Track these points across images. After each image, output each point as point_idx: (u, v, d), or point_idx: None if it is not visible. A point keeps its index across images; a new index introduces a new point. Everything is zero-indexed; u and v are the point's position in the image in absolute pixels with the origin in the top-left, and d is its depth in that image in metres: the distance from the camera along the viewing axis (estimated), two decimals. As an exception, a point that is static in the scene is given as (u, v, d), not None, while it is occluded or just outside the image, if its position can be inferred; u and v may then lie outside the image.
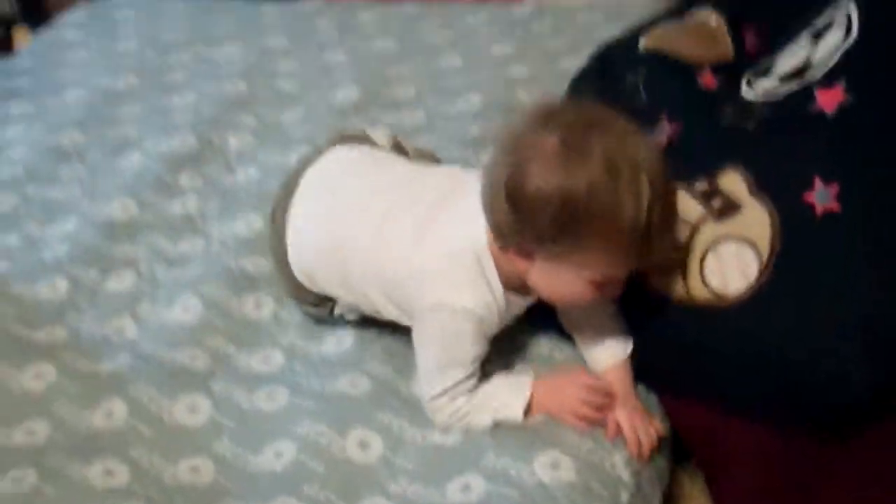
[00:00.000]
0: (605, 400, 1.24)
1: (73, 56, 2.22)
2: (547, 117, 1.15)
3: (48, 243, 1.63)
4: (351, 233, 1.34)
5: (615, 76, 1.57)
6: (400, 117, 1.89)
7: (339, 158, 1.45)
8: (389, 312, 1.33)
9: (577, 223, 1.10)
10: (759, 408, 1.25)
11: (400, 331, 1.36)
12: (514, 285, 1.24)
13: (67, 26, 2.36)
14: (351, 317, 1.42)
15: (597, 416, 1.24)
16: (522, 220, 1.14)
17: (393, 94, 1.99)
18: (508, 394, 1.26)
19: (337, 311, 1.41)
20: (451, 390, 1.25)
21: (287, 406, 1.32)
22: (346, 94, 1.98)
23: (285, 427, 1.28)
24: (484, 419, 1.25)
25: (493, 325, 1.25)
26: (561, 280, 1.18)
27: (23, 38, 2.68)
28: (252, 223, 1.62)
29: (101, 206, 1.69)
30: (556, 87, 1.74)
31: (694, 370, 1.27)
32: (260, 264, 1.54)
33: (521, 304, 1.29)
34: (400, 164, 1.45)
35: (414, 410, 1.29)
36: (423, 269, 1.25)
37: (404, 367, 1.35)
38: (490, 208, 1.17)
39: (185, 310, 1.46)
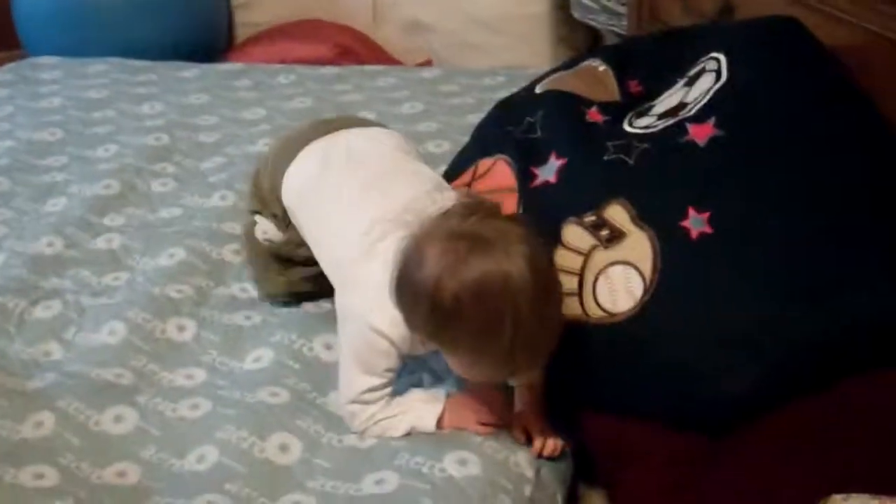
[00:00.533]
0: (502, 418, 1.36)
1: (-2, 111, 2.29)
2: (445, 218, 1.24)
3: (-26, 278, 1.69)
4: (327, 205, 1.48)
5: (515, 119, 1.70)
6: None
7: (349, 139, 1.57)
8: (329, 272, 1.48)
9: (444, 329, 1.22)
10: (651, 411, 1.36)
11: (317, 350, 1.47)
12: None
13: (-8, 84, 2.44)
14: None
15: (497, 425, 1.35)
16: (404, 313, 1.25)
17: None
18: (422, 406, 1.37)
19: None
20: (364, 395, 1.35)
21: (210, 414, 1.40)
22: (265, 145, 2.09)
23: (208, 433, 1.36)
24: (398, 428, 1.35)
25: (406, 351, 1.35)
26: (452, 364, 1.29)
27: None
28: (175, 255, 1.71)
29: (28, 243, 1.76)
30: (462, 138, 1.88)
31: (594, 381, 1.39)
32: (183, 290, 1.63)
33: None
34: (401, 168, 1.53)
35: (330, 418, 1.39)
36: (359, 278, 1.36)
37: (321, 382, 1.45)
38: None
39: (110, 333, 1.54)
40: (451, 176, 1.70)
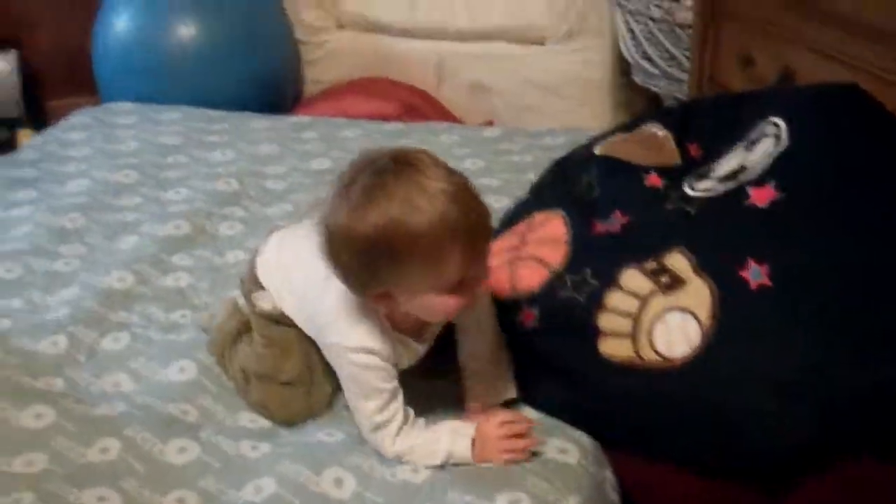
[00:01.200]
0: (522, 427, 1.40)
1: (75, 152, 2.38)
2: (348, 176, 1.30)
3: (49, 308, 1.76)
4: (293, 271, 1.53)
5: (572, 177, 1.75)
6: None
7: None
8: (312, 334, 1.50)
9: (381, 258, 1.27)
10: (698, 460, 1.39)
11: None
12: (402, 325, 1.40)
13: (71, 127, 2.54)
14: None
15: (520, 446, 1.38)
16: (348, 270, 1.30)
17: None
18: (456, 436, 1.39)
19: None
20: (376, 417, 1.39)
21: (269, 453, 1.44)
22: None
23: (266, 467, 1.40)
24: (437, 456, 1.38)
25: (390, 357, 1.38)
26: (426, 303, 1.32)
27: (26, 140, 2.85)
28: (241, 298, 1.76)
29: (100, 277, 1.83)
30: (522, 193, 1.93)
31: (641, 425, 1.42)
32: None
33: (415, 348, 1.44)
34: None
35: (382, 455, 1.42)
36: (324, 316, 1.42)
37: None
38: (330, 267, 1.33)
39: (180, 370, 1.59)
40: (505, 224, 1.75)
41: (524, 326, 1.50)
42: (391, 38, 3.27)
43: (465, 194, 1.29)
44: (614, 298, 1.45)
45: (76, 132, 2.50)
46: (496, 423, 1.40)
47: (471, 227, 1.27)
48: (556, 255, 1.54)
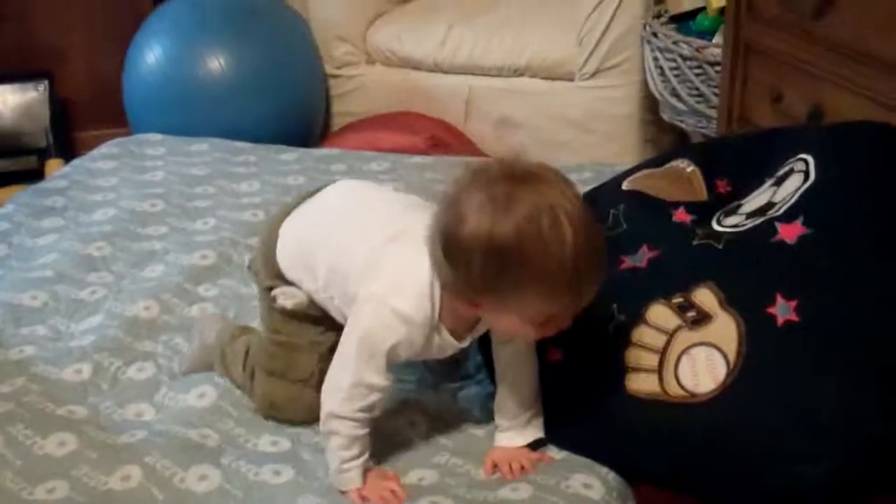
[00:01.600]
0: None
1: (104, 182, 2.40)
2: (477, 174, 1.25)
3: (74, 336, 1.76)
4: (327, 230, 1.49)
5: (599, 212, 1.74)
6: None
7: (336, 190, 1.60)
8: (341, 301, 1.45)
9: (507, 270, 1.21)
10: (723, 495, 1.37)
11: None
12: (453, 325, 1.36)
13: (100, 157, 2.55)
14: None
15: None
16: (458, 272, 1.24)
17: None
18: (345, 473, 1.39)
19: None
20: (348, 391, 1.34)
21: (292, 481, 1.43)
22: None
23: (288, 499, 1.39)
24: (333, 457, 1.39)
25: (418, 346, 1.35)
26: (506, 322, 1.30)
27: (55, 169, 2.87)
28: (265, 326, 1.76)
29: (125, 305, 1.83)
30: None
31: (667, 460, 1.40)
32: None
33: (451, 345, 1.38)
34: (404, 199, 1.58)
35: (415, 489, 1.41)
36: (381, 262, 1.36)
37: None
38: (434, 262, 1.28)
39: (200, 396, 1.59)
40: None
41: (550, 362, 1.49)
42: (420, 72, 3.28)
43: (594, 234, 1.25)
44: (641, 333, 1.44)
45: (105, 162, 2.52)
46: (384, 485, 1.38)
47: (590, 272, 1.25)
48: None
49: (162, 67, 3.01)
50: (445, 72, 3.25)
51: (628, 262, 1.55)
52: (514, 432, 1.47)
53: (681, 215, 1.63)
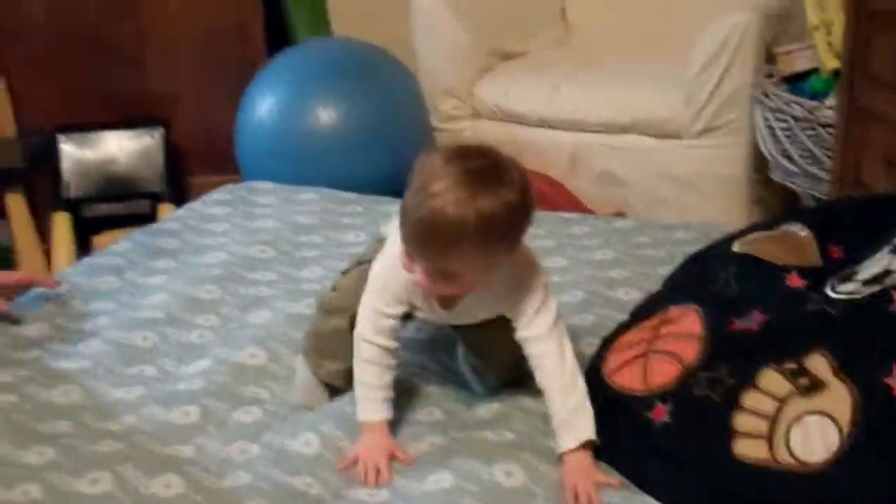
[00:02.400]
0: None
1: (215, 226, 2.46)
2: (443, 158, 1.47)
3: (182, 378, 1.80)
4: None
5: (708, 273, 1.72)
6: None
7: None
8: None
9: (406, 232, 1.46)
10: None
11: (498, 476, 1.50)
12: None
13: (211, 203, 2.62)
14: None
15: (370, 479, 1.53)
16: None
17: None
18: (365, 401, 1.61)
19: None
20: (374, 316, 1.60)
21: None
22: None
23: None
24: (359, 382, 1.62)
25: (413, 295, 1.58)
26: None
27: (167, 214, 2.95)
28: (369, 376, 1.77)
29: (233, 351, 1.86)
30: (654, 287, 1.91)
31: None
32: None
33: (438, 312, 1.61)
34: None
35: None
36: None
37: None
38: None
39: (305, 443, 1.60)
40: (638, 317, 1.72)
41: (655, 422, 1.47)
42: (525, 127, 3.30)
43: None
44: (751, 398, 1.42)
45: (217, 207, 2.58)
46: (385, 447, 1.56)
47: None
48: (691, 352, 1.51)
49: (273, 117, 3.09)
50: (551, 127, 3.27)
51: (739, 324, 1.53)
52: (561, 431, 1.52)
53: (794, 280, 1.60)
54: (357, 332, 1.62)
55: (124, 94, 3.66)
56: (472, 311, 1.62)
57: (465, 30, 3.38)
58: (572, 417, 1.51)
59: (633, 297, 2.06)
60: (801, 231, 1.74)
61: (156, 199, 3.46)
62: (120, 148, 3.54)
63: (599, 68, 3.37)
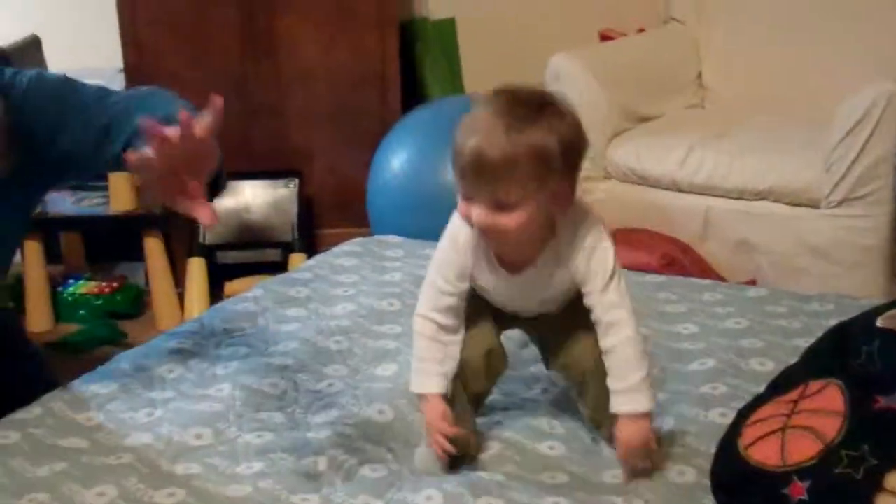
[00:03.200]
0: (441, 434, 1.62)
1: (345, 278, 2.49)
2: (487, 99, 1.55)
3: (311, 427, 1.81)
4: None
5: (851, 348, 1.66)
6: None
7: None
8: None
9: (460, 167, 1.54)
10: None
11: None
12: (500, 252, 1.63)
13: (342, 254, 2.66)
14: None
15: (441, 445, 1.62)
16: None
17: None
18: (417, 373, 1.68)
19: None
20: (434, 295, 1.68)
21: None
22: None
23: None
24: (416, 357, 1.69)
25: (471, 265, 1.64)
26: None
27: (298, 263, 3.01)
28: (494, 434, 1.76)
29: (360, 405, 1.87)
30: (789, 359, 1.85)
31: None
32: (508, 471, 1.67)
33: (504, 275, 1.64)
34: None
35: None
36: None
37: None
38: None
39: (427, 499, 1.59)
40: (776, 390, 1.67)
41: (792, 499, 1.42)
42: (658, 190, 3.27)
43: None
44: (894, 479, 1.35)
45: (347, 258, 2.62)
46: (441, 413, 1.62)
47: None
48: (832, 428, 1.46)
49: (405, 172, 3.14)
50: (684, 191, 3.23)
51: (883, 402, 1.46)
52: (623, 397, 1.59)
53: (941, 360, 1.54)
54: (416, 311, 1.69)
55: (261, 144, 3.76)
56: (542, 278, 1.63)
57: (602, 91, 3.37)
58: (635, 388, 1.59)
59: (769, 368, 2.00)
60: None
61: (287, 248, 3.54)
62: (255, 197, 3.64)
63: (735, 133, 3.33)
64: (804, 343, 1.88)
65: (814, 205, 3.01)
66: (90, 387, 1.94)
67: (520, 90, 1.54)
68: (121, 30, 3.69)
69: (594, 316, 1.63)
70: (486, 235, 1.59)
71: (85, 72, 3.71)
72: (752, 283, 2.91)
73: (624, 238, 3.12)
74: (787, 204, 3.06)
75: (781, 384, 1.68)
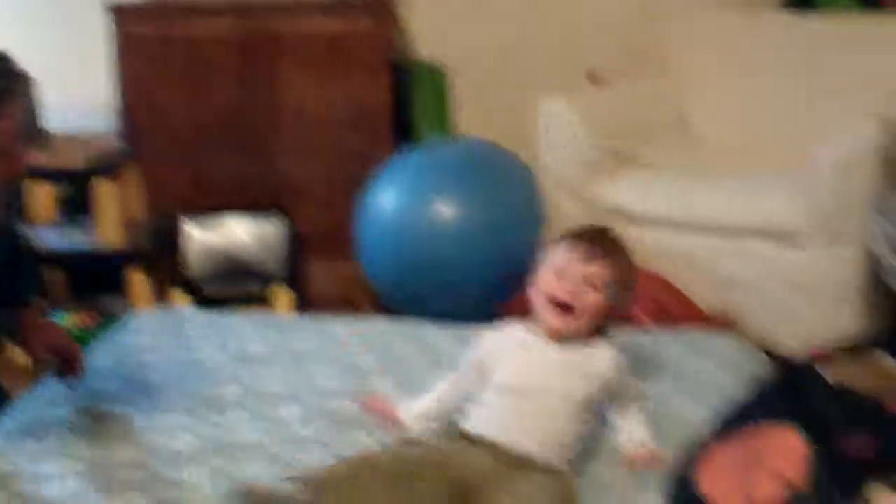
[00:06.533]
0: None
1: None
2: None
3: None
4: None
5: (800, 393, 1.69)
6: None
7: None
8: None
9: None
10: None
11: None
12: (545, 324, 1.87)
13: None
14: None
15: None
16: None
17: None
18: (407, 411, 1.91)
19: None
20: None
21: None
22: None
23: None
24: None
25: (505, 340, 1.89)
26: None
27: (283, 297, 3.00)
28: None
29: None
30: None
31: None
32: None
33: (539, 346, 1.85)
34: None
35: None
36: None
37: None
38: None
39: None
40: (727, 429, 1.69)
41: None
42: (644, 229, 3.27)
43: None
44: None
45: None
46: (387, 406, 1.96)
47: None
48: (796, 470, 1.47)
49: (394, 211, 3.13)
50: (669, 229, 3.26)
51: (843, 443, 1.48)
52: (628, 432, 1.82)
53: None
54: None
55: (251, 180, 3.76)
56: (574, 353, 1.83)
57: (590, 133, 3.40)
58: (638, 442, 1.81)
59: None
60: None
61: (273, 282, 3.54)
62: (243, 231, 3.64)
63: (718, 172, 3.35)
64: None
65: (796, 245, 3.04)
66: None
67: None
68: (116, 67, 3.71)
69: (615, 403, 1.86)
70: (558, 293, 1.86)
71: (78, 109, 3.75)
72: (725, 321, 2.94)
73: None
74: (769, 242, 3.09)
75: (729, 425, 1.69)
